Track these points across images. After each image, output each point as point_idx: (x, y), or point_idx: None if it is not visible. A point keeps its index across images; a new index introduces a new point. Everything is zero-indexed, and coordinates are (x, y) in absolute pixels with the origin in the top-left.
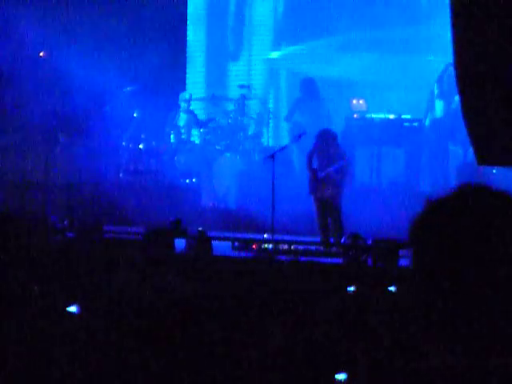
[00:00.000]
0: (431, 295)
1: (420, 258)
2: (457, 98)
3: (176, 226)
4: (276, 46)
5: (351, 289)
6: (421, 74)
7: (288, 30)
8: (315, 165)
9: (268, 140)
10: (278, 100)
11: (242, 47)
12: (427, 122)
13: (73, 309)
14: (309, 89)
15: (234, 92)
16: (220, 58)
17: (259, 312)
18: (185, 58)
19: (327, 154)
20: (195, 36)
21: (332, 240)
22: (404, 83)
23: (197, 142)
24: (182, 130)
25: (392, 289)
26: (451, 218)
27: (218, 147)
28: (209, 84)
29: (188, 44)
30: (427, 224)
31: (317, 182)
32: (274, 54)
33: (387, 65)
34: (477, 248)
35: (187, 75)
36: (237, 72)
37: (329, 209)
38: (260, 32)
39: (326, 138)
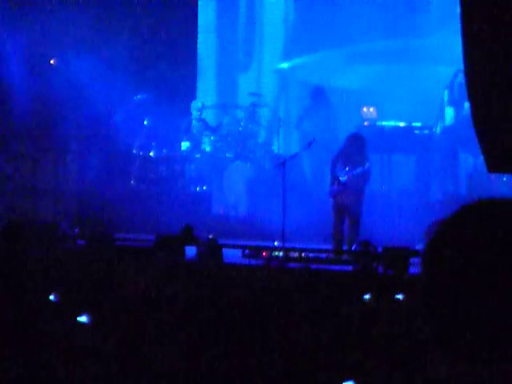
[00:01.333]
0: (442, 305)
1: (435, 271)
2: (467, 105)
3: (187, 233)
4: (286, 56)
5: (367, 296)
6: (431, 84)
7: (298, 40)
8: (338, 168)
9: (278, 148)
10: (288, 110)
11: (252, 58)
12: (438, 130)
13: (83, 319)
14: (318, 97)
15: (244, 100)
16: (230, 68)
17: (269, 319)
18: (195, 66)
19: (353, 158)
20: (206, 46)
21: (345, 247)
22: (414, 93)
23: (207, 149)
24: (194, 138)
25: (401, 297)
26: (467, 231)
27: (228, 155)
28: (219, 93)
29: (198, 54)
30: (443, 239)
31: (339, 186)
32: (284, 65)
33: (397, 75)
34: (493, 260)
35: (198, 84)
36: (247, 82)
37: (348, 215)
38: (270, 43)
39: (355, 143)
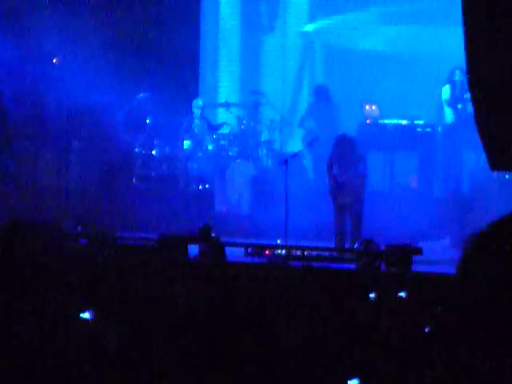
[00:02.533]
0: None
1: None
2: (469, 102)
3: (205, 233)
4: (311, 18)
5: (372, 295)
6: (455, 45)
7: (323, 2)
8: (335, 170)
9: (281, 146)
10: (314, 77)
11: (276, 20)
12: (440, 128)
13: (86, 315)
14: (322, 95)
15: (246, 98)
16: (254, 31)
17: (272, 318)
18: (198, 63)
19: (346, 159)
20: (229, 8)
21: (348, 246)
22: (441, 55)
23: (210, 148)
24: (196, 137)
25: (404, 294)
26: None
27: (230, 153)
28: (241, 58)
29: (221, 17)
30: (478, 256)
31: (338, 187)
32: (309, 27)
33: (425, 37)
34: None
35: (220, 67)
36: (271, 46)
37: (349, 214)
38: (295, 4)
39: (343, 144)
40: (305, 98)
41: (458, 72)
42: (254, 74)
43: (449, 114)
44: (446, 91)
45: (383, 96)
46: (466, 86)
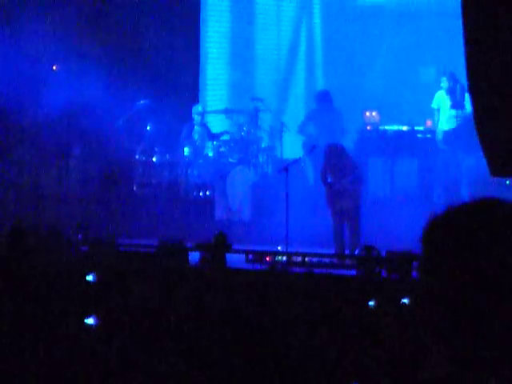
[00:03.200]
0: (437, 307)
1: (429, 272)
2: (470, 108)
3: (220, 241)
4: None
5: (371, 303)
6: None
7: None
8: (330, 179)
9: (281, 152)
10: (311, 36)
11: None
12: (440, 134)
13: (90, 320)
14: (323, 101)
15: (246, 105)
16: None
17: (273, 324)
18: (198, 70)
19: (339, 166)
20: None
21: (348, 252)
22: (445, 9)
23: (210, 154)
24: (196, 143)
25: (405, 301)
26: (462, 229)
27: (231, 160)
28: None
29: None
30: (437, 237)
31: (334, 194)
32: None
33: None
34: (486, 259)
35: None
36: (264, 2)
37: (347, 220)
38: None
39: (334, 153)
40: (301, 82)
41: (444, 79)
42: (245, 34)
43: (451, 120)
44: (450, 97)
45: (383, 96)
46: (456, 92)
